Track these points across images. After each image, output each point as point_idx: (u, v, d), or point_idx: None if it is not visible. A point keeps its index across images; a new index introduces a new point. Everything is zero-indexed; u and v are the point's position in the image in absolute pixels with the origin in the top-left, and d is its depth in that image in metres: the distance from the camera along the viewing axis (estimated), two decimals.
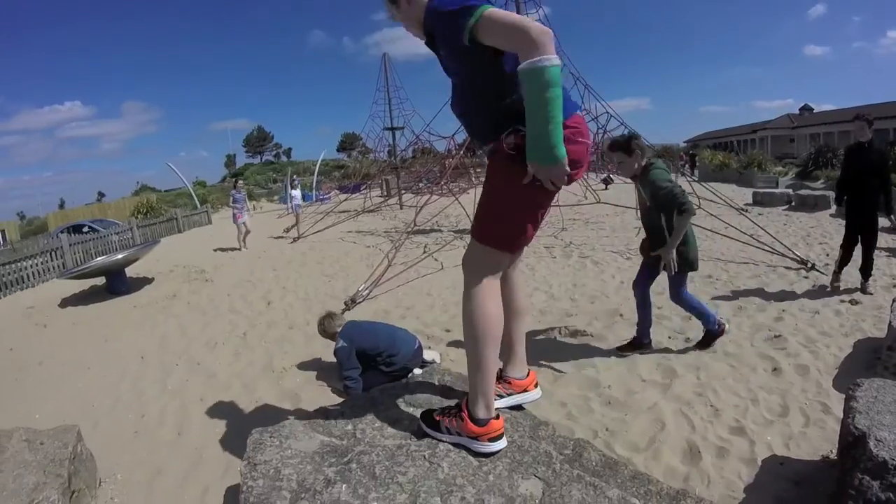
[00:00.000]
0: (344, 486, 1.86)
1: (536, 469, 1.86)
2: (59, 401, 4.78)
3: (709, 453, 2.83)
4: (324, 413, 2.61)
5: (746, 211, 11.54)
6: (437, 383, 2.69)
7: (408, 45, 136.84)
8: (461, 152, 11.72)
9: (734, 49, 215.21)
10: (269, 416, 3.94)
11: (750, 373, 3.74)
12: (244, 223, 12.64)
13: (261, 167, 72.94)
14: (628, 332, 4.53)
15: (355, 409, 2.54)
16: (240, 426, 3.81)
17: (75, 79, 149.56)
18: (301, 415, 3.62)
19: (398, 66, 20.07)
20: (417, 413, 2.37)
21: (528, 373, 2.34)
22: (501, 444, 1.97)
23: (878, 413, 2.19)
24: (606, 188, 12.93)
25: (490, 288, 1.93)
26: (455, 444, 2.02)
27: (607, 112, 11.71)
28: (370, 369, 4.16)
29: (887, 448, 1.96)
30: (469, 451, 1.98)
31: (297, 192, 15.33)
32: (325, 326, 4.41)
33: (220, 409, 4.15)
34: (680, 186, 3.80)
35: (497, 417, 1.99)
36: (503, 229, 1.90)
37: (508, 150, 1.76)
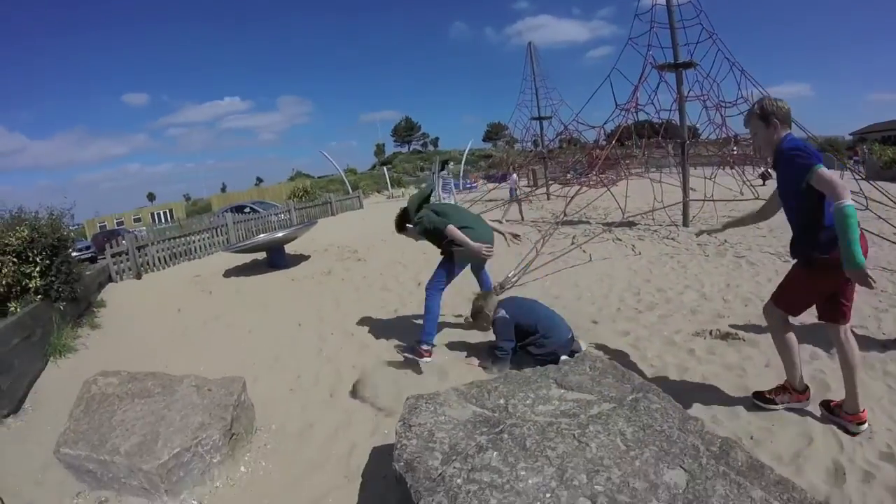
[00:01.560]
0: (495, 453, 2.11)
1: (683, 461, 1.97)
2: (223, 357, 5.29)
3: (854, 476, 2.67)
4: (477, 386, 2.87)
5: None
6: (588, 369, 2.86)
7: (550, 32, 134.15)
8: (612, 143, 11.37)
9: None
10: (419, 386, 4.08)
11: None
12: None
13: (409, 156, 76.52)
14: None
15: (509, 384, 2.78)
16: (390, 393, 4.07)
17: (233, 76, 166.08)
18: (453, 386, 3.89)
19: (543, 54, 19.76)
20: (569, 395, 2.56)
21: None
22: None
23: None
24: (764, 184, 11.99)
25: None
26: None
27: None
28: (520, 349, 4.28)
29: None
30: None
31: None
32: (484, 304, 4.47)
33: (371, 377, 4.40)
34: None
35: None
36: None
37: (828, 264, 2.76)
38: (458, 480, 1.94)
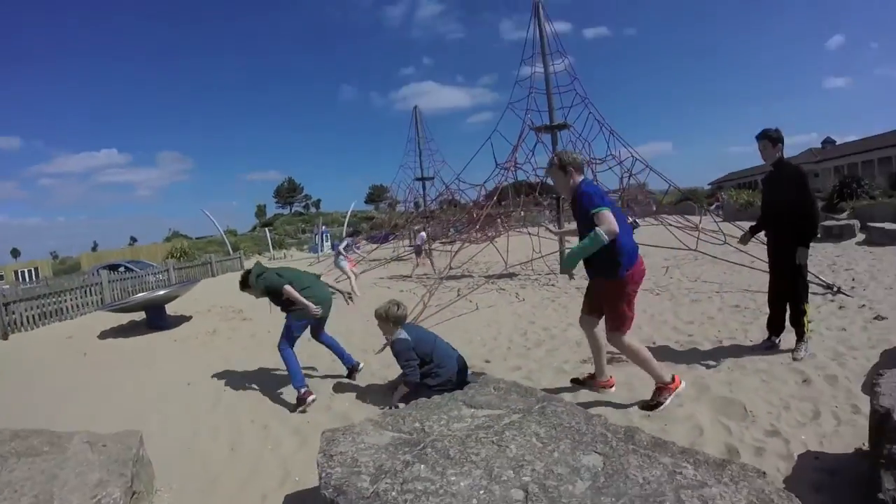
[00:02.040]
0: (422, 465, 2.13)
1: (595, 447, 2.12)
2: (108, 419, 4.88)
3: (747, 452, 3.02)
4: (391, 415, 2.87)
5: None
6: (493, 390, 2.96)
7: (434, 98, 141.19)
8: (493, 201, 11.99)
9: (753, 86, 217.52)
10: (320, 424, 4.13)
11: (781, 385, 3.93)
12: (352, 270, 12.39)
13: (290, 218, 75.18)
14: (662, 356, 4.84)
15: (421, 410, 2.81)
16: (296, 441, 4.04)
17: (110, 127, 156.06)
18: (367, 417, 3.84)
19: (427, 118, 20.46)
20: (480, 412, 2.64)
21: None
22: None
23: None
24: (632, 233, 13.22)
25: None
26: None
27: (632, 156, 11.90)
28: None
29: None
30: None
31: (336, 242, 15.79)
32: (394, 311, 4.50)
33: (273, 428, 4.36)
34: None
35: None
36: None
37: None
38: (393, 493, 1.93)
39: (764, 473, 2.01)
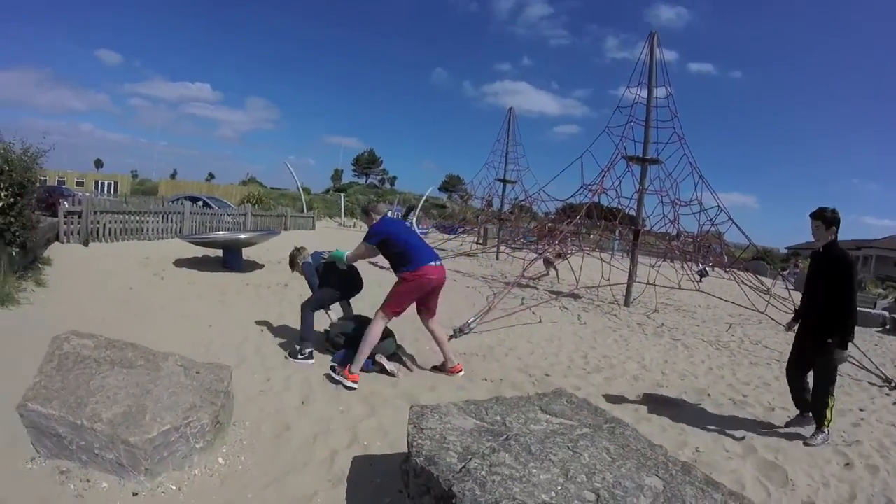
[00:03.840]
0: (507, 455, 2.52)
1: (657, 471, 2.45)
2: (184, 347, 5.01)
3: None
4: (474, 403, 3.26)
5: None
6: (566, 402, 3.33)
7: (524, 99, 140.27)
8: (577, 218, 12.13)
9: (849, 160, 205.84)
10: (388, 397, 4.61)
11: (825, 463, 4.09)
12: None
13: (364, 188, 76.64)
14: (715, 409, 5.10)
15: (501, 405, 3.21)
16: (364, 409, 4.33)
17: (208, 63, 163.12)
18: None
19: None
20: (554, 419, 3.02)
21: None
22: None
23: None
24: (700, 280, 13.11)
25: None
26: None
27: (718, 206, 11.80)
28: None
29: None
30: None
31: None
32: (297, 255, 6.35)
33: (342, 391, 4.66)
34: None
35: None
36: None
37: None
38: (482, 472, 2.32)
39: None
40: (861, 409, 5.55)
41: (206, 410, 3.23)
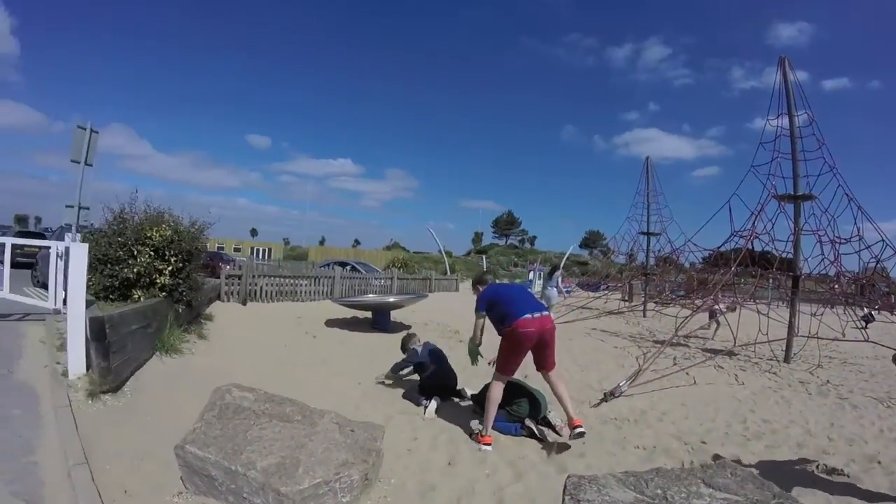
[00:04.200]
0: None
1: None
2: (333, 404, 5.03)
3: None
4: (633, 475, 3.44)
5: None
6: (730, 475, 3.41)
7: (657, 146, 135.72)
8: (734, 269, 11.31)
9: None
10: (535, 462, 4.69)
11: None
12: None
13: (504, 249, 78.24)
14: (884, 479, 4.83)
15: (661, 478, 3.50)
16: (511, 473, 4.39)
17: (349, 140, 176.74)
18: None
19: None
20: (718, 494, 3.30)
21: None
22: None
23: None
24: (866, 327, 11.95)
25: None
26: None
27: (882, 239, 10.56)
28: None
29: None
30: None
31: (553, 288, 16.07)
32: (409, 340, 6.83)
33: (489, 454, 4.77)
34: None
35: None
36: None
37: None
38: None
39: None
40: None
41: (358, 467, 3.41)
